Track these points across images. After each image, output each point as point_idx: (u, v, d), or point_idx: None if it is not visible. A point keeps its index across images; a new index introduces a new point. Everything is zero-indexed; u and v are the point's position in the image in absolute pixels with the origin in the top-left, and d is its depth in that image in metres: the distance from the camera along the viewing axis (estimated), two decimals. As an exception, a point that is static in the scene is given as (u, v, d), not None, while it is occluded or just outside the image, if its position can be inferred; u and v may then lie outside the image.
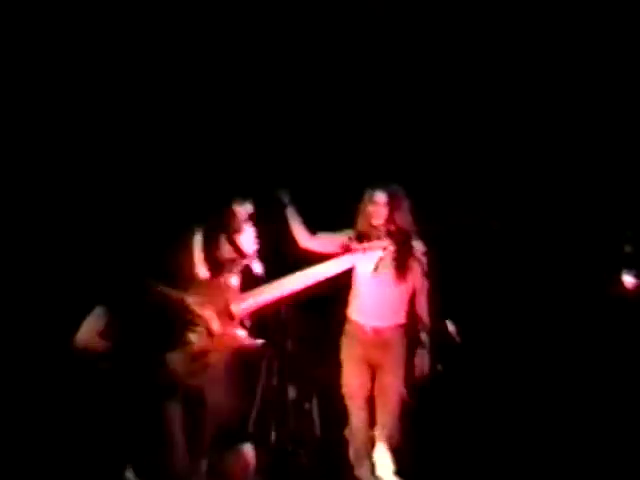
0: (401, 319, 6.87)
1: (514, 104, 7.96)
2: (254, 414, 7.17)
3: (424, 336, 6.84)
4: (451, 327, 7.05)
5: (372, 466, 6.86)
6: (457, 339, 7.07)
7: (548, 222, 7.93)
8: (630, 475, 6.82)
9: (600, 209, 7.83)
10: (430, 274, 6.85)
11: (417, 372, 6.82)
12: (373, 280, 6.82)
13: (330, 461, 7.20)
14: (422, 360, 6.82)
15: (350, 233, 6.88)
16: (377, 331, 6.84)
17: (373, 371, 6.88)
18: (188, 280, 6.10)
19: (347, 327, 6.98)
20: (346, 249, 6.77)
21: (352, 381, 6.90)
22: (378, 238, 6.75)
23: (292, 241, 7.01)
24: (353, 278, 6.92)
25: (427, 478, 6.99)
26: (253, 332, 6.23)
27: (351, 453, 6.93)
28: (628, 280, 7.49)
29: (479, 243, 7.81)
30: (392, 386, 6.81)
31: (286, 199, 7.06)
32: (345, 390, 6.93)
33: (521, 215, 7.91)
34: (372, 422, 6.86)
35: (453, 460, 7.18)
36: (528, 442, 7.22)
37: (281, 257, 6.88)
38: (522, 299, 7.80)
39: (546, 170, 7.86)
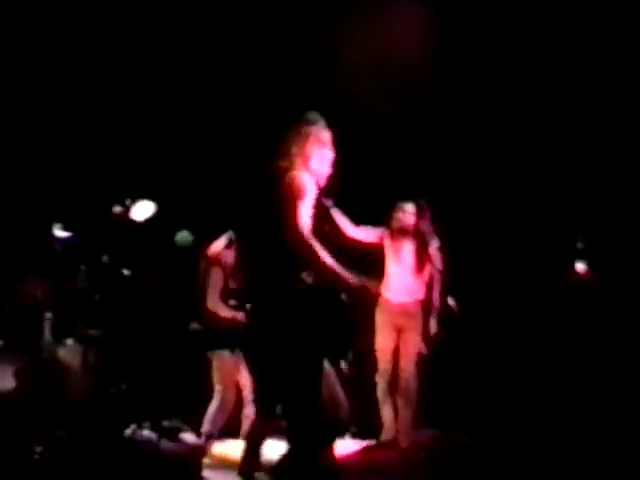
0: (420, 296, 8.33)
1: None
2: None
3: (435, 308, 8.35)
4: (451, 302, 8.77)
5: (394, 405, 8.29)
6: (455, 311, 8.79)
7: (525, 229, 9.59)
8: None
9: (560, 217, 9.47)
10: (441, 264, 8.36)
11: (430, 332, 8.31)
12: (400, 268, 8.35)
13: (363, 397, 8.46)
14: (432, 324, 8.33)
15: (384, 230, 8.33)
16: (401, 304, 8.31)
17: (398, 333, 8.32)
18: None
19: (380, 301, 8.37)
20: (381, 239, 8.32)
21: (382, 339, 8.37)
22: (406, 237, 8.30)
23: (339, 233, 7.96)
24: (385, 266, 8.37)
25: (435, 408, 8.66)
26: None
27: (379, 393, 8.38)
28: (580, 268, 9.61)
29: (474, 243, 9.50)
30: (412, 340, 8.30)
31: (329, 204, 8.24)
32: (377, 346, 8.38)
33: (506, 224, 9.56)
34: (394, 369, 8.30)
35: (453, 396, 8.87)
36: (509, 380, 8.93)
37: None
38: (505, 283, 9.46)
39: (520, 193, 9.44)
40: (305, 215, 5.48)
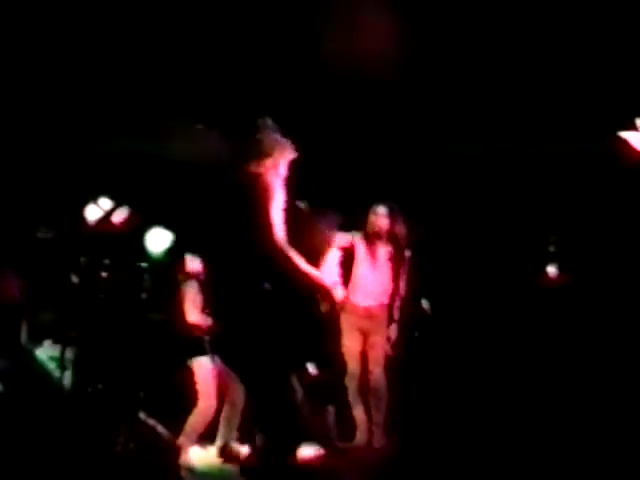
0: (385, 300, 8.39)
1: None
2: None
3: (397, 314, 8.42)
4: (425, 304, 8.93)
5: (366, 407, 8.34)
6: (429, 313, 8.95)
7: (496, 234, 9.77)
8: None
9: (531, 223, 9.66)
10: (411, 272, 8.42)
11: (391, 340, 8.39)
12: (371, 271, 8.38)
13: (335, 401, 8.60)
14: (393, 331, 8.41)
15: (357, 234, 8.37)
16: (367, 309, 8.38)
17: (364, 336, 8.38)
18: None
19: (346, 305, 8.42)
20: (351, 243, 8.34)
21: (349, 343, 8.42)
22: (380, 240, 8.34)
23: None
24: (353, 271, 8.39)
25: (402, 408, 8.62)
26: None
27: (350, 395, 8.41)
28: (551, 271, 9.79)
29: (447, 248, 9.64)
30: (378, 343, 8.36)
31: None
32: (344, 349, 8.43)
33: (477, 230, 9.73)
34: (364, 372, 8.33)
35: (420, 397, 8.91)
36: (483, 381, 9.12)
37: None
38: (477, 286, 9.61)
39: (491, 201, 9.62)
40: (278, 220, 5.67)
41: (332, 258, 8.24)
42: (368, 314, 8.43)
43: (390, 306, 8.47)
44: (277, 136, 5.85)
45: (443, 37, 8.41)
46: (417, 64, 8.45)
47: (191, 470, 7.92)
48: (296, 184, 7.66)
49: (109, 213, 9.22)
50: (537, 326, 9.38)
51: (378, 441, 8.42)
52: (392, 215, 8.43)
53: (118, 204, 9.34)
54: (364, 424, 8.48)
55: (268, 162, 5.80)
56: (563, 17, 8.09)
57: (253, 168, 5.80)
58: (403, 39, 8.25)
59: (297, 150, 5.96)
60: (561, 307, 9.48)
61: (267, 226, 5.70)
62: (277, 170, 5.85)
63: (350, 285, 8.51)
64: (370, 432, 8.44)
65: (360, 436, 8.49)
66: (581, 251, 9.64)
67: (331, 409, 8.58)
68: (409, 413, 8.72)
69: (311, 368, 8.64)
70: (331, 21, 8.16)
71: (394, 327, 8.48)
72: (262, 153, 5.82)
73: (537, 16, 8.12)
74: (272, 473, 5.77)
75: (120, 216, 9.44)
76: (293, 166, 5.88)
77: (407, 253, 8.44)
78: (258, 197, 5.73)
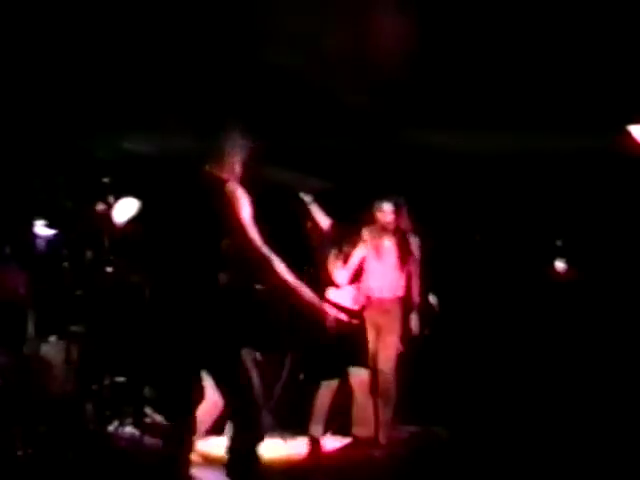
0: (399, 293, 8.41)
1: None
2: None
3: (415, 305, 8.42)
4: (433, 300, 8.89)
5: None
6: (436, 309, 8.90)
7: (506, 229, 9.87)
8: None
9: (539, 218, 9.81)
10: (421, 261, 8.47)
11: (411, 330, 8.39)
12: (381, 265, 8.42)
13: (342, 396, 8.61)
14: (414, 323, 8.44)
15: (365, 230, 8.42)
16: (380, 301, 8.41)
17: (377, 332, 8.40)
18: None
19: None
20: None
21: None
22: (388, 235, 8.42)
23: (315, 228, 8.53)
24: (365, 263, 8.44)
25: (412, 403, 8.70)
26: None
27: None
28: (560, 266, 9.82)
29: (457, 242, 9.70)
30: (390, 340, 8.35)
31: (309, 199, 8.59)
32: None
33: (488, 226, 9.82)
34: (374, 371, 8.36)
35: (430, 393, 8.97)
36: (492, 376, 9.20)
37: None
38: (487, 281, 9.66)
39: (501, 195, 9.71)
40: (253, 229, 5.70)
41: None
42: (381, 306, 8.43)
43: (404, 299, 8.46)
44: (241, 136, 5.91)
45: (446, 35, 8.48)
46: (419, 61, 8.50)
47: (198, 464, 7.84)
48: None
49: (110, 205, 9.18)
50: (546, 323, 9.42)
51: (384, 437, 8.42)
52: (397, 210, 8.47)
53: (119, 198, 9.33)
54: (371, 420, 8.47)
55: (231, 163, 5.83)
56: (565, 14, 8.15)
57: (216, 170, 5.80)
58: (408, 37, 8.37)
59: (262, 149, 6.06)
60: (570, 302, 9.51)
61: (241, 233, 5.65)
62: (236, 170, 5.85)
63: (363, 280, 8.52)
64: (377, 428, 8.44)
65: (367, 432, 8.48)
66: (589, 246, 9.72)
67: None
68: (417, 410, 8.75)
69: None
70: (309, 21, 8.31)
71: (415, 319, 8.45)
72: (227, 153, 5.84)
73: (539, 13, 8.18)
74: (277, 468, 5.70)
75: (124, 216, 9.41)
76: (250, 165, 5.92)
77: (415, 242, 8.49)
78: (225, 203, 5.69)
